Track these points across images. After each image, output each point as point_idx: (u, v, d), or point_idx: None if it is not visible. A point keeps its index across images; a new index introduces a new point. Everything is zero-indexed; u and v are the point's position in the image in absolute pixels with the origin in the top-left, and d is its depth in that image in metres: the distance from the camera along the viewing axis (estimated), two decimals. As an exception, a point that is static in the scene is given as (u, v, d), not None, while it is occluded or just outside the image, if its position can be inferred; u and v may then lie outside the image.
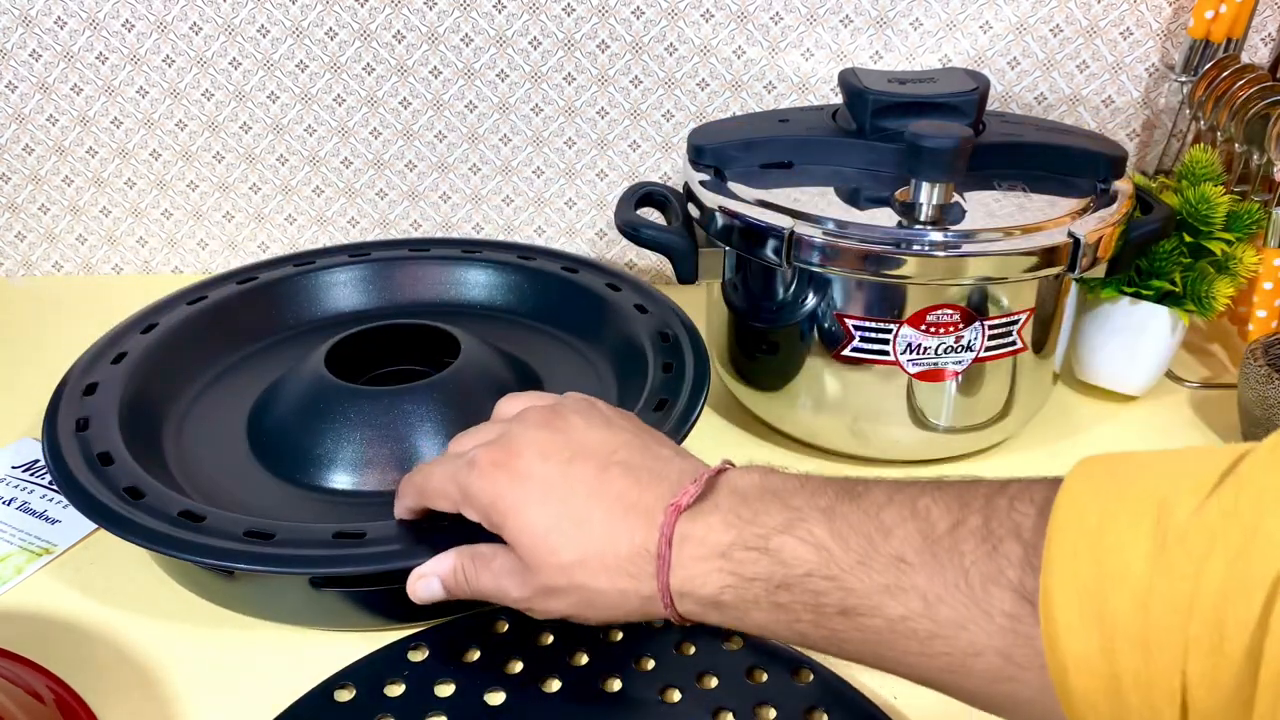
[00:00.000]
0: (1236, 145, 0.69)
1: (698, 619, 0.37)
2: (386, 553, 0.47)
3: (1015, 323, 0.58)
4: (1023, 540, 0.29)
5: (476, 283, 0.72)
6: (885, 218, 0.56)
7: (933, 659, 0.31)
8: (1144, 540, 0.26)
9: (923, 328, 0.56)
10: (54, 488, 0.59)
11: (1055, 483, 0.30)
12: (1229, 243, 0.64)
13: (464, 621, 0.50)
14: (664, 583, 0.36)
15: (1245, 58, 0.73)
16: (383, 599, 0.50)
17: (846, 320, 0.57)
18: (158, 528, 0.48)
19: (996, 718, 0.32)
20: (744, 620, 0.36)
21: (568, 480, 0.38)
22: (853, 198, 0.58)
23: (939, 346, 0.57)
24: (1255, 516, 0.25)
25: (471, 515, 0.41)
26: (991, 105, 0.68)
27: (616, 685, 0.47)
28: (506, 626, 0.50)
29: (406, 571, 0.48)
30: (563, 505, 0.38)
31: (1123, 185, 0.61)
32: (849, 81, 0.62)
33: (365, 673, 0.47)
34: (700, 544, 0.36)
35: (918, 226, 0.55)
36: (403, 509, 0.46)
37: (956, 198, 0.57)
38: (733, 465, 0.39)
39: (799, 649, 0.48)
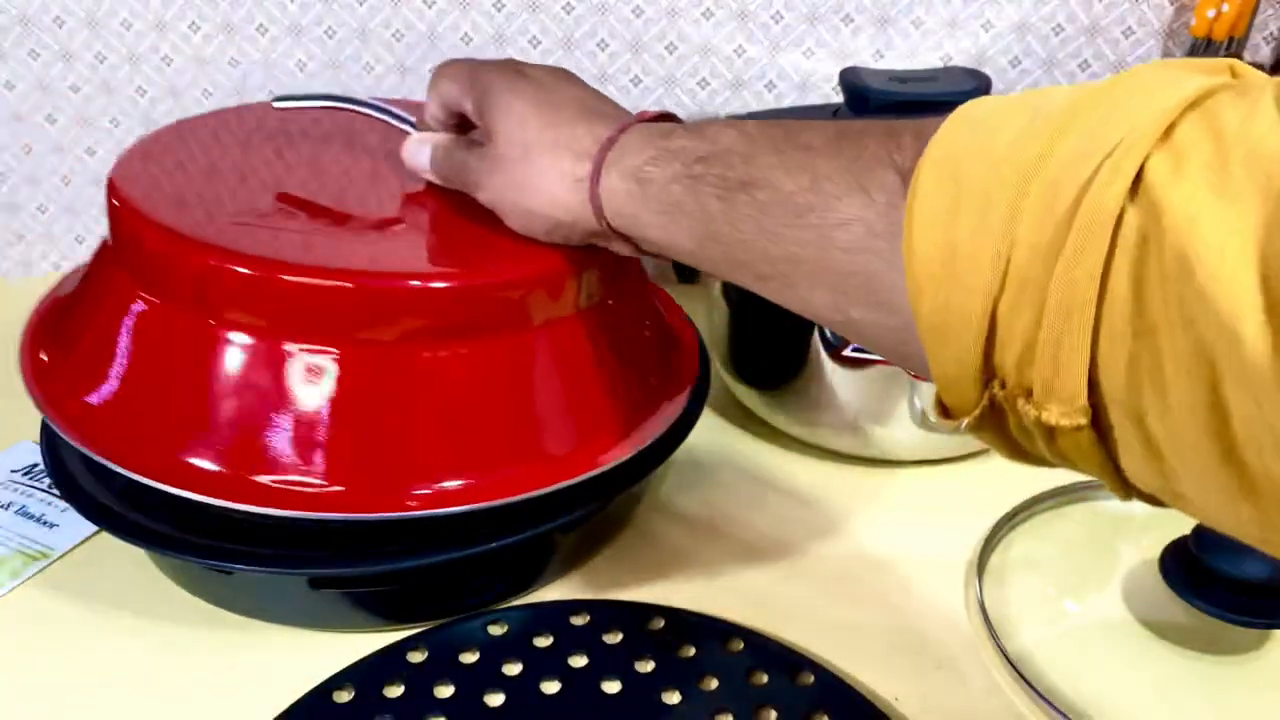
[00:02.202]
0: (1238, 144, 0.69)
1: (615, 212, 0.40)
2: (386, 552, 0.47)
3: (1016, 322, 0.57)
4: (921, 136, 0.29)
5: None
6: (886, 217, 0.56)
7: (804, 230, 0.33)
8: (1018, 119, 0.27)
9: (924, 327, 0.56)
10: (52, 491, 0.59)
11: None
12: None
13: (463, 623, 0.50)
14: (601, 156, 0.40)
15: (1247, 57, 0.72)
16: (382, 599, 0.50)
17: (847, 320, 0.57)
18: (156, 528, 0.48)
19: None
20: (663, 200, 0.38)
21: (555, 87, 0.44)
22: (853, 197, 0.58)
23: (940, 346, 0.57)
24: (1125, 94, 0.26)
25: (469, 105, 0.45)
26: (992, 104, 0.68)
27: (616, 686, 0.47)
28: (506, 627, 0.50)
29: (407, 572, 0.48)
30: (545, 97, 0.43)
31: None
32: (850, 80, 0.62)
33: (364, 673, 0.47)
34: (646, 129, 0.40)
35: (919, 226, 0.55)
36: (430, 103, 0.49)
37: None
38: None
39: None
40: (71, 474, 0.51)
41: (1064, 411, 0.26)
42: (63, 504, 0.58)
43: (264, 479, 0.44)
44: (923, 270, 0.28)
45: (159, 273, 0.46)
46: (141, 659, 0.49)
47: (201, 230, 0.45)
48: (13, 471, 0.61)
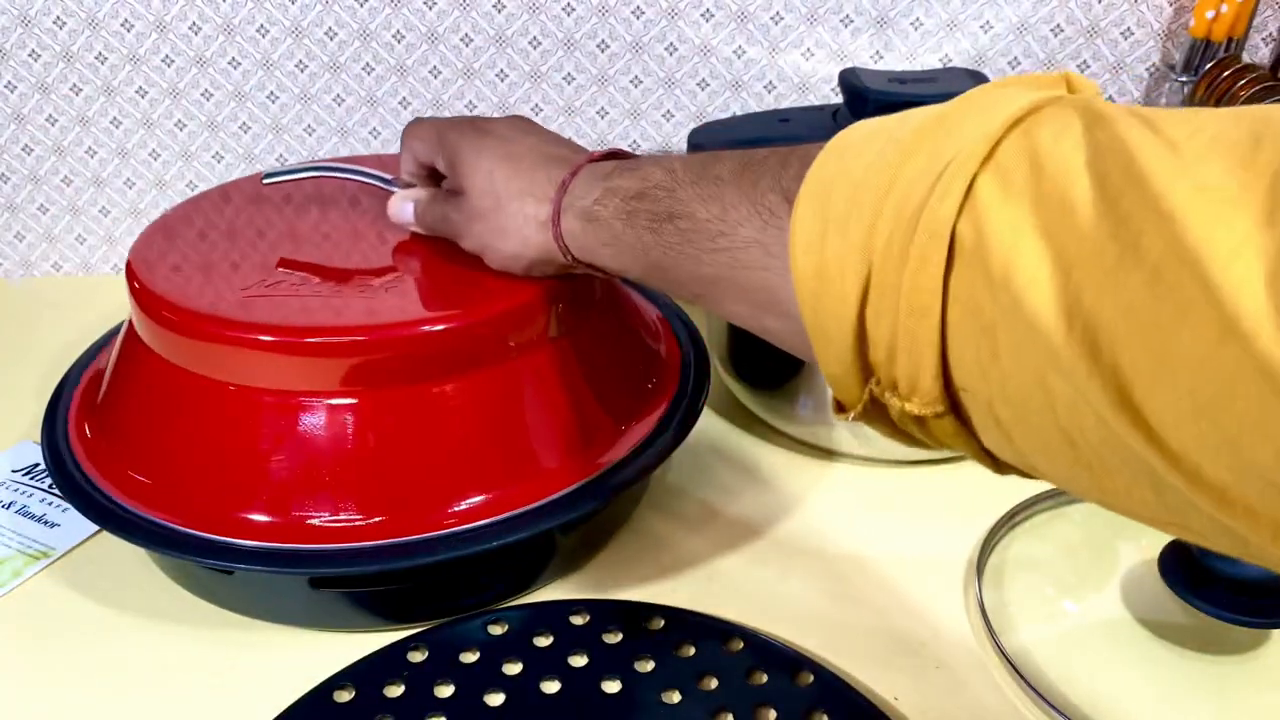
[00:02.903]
0: (1237, 145, 0.69)
1: (576, 247, 0.45)
2: (386, 550, 0.47)
3: (1016, 323, 0.57)
4: (806, 162, 0.33)
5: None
6: (886, 218, 0.56)
7: (718, 253, 0.37)
8: (876, 145, 0.31)
9: (923, 328, 0.56)
10: (54, 491, 0.59)
11: None
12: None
13: (463, 622, 0.50)
14: (558, 199, 0.44)
15: (1246, 57, 0.72)
16: (382, 599, 0.50)
17: (847, 320, 0.57)
18: (157, 528, 0.48)
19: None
20: (608, 234, 0.42)
21: (515, 139, 0.48)
22: (853, 198, 0.58)
23: (939, 347, 0.57)
24: (959, 117, 0.29)
25: (440, 162, 0.50)
26: (992, 105, 0.68)
27: (616, 686, 0.47)
28: (506, 627, 0.50)
29: (406, 572, 0.48)
30: (507, 150, 0.48)
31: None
32: (849, 81, 0.62)
33: (365, 673, 0.47)
34: (594, 170, 0.44)
35: (918, 226, 0.55)
36: (404, 160, 0.54)
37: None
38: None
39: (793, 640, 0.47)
40: (72, 474, 0.51)
41: (924, 402, 0.30)
42: (64, 504, 0.58)
43: (314, 521, 0.47)
44: (803, 285, 0.31)
45: (185, 348, 0.50)
46: (142, 658, 0.49)
47: (218, 305, 0.49)
48: (14, 471, 0.61)
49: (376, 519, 0.47)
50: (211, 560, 0.47)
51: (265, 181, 0.58)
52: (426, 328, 0.48)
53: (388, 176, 0.56)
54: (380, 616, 0.50)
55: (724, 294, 0.38)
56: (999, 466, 0.31)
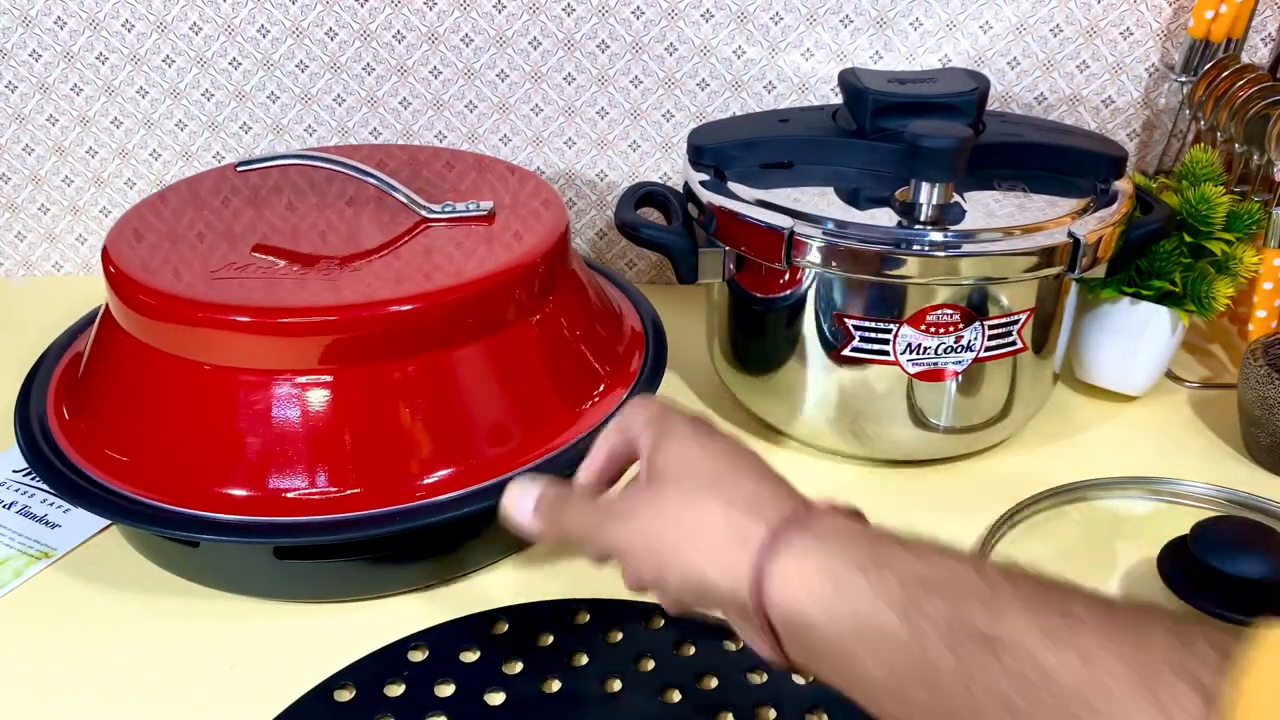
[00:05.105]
0: (1236, 145, 0.69)
1: (782, 605, 0.33)
2: (363, 520, 0.49)
3: (1015, 323, 0.58)
4: (1219, 648, 0.27)
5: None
6: (885, 218, 0.56)
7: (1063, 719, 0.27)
8: None
9: (923, 328, 0.56)
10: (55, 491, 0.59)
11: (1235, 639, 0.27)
12: (1229, 243, 0.64)
13: (463, 622, 0.50)
14: (782, 527, 0.35)
15: (1245, 58, 0.73)
16: (369, 565, 0.52)
17: (846, 320, 0.57)
18: (129, 503, 0.50)
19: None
20: (856, 618, 0.31)
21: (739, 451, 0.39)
22: (853, 198, 0.58)
23: (939, 346, 0.57)
24: None
25: (645, 439, 0.40)
26: (991, 105, 0.68)
27: (616, 685, 0.47)
28: (506, 626, 0.50)
29: (385, 539, 0.50)
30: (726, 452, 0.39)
31: (1123, 185, 0.61)
32: (849, 81, 0.62)
33: (365, 673, 0.47)
34: (841, 522, 0.36)
35: (918, 226, 0.55)
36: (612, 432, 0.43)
37: (956, 198, 0.57)
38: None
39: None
40: (44, 452, 0.53)
41: None
42: (65, 504, 0.58)
43: (292, 494, 0.49)
44: None
45: (160, 331, 0.51)
46: (143, 658, 0.49)
47: (194, 288, 0.51)
48: (14, 472, 0.61)
49: (353, 490, 0.49)
50: (184, 533, 0.48)
51: (239, 169, 0.60)
52: (395, 308, 0.50)
53: (356, 164, 0.58)
54: (377, 583, 0.53)
55: None
56: None
